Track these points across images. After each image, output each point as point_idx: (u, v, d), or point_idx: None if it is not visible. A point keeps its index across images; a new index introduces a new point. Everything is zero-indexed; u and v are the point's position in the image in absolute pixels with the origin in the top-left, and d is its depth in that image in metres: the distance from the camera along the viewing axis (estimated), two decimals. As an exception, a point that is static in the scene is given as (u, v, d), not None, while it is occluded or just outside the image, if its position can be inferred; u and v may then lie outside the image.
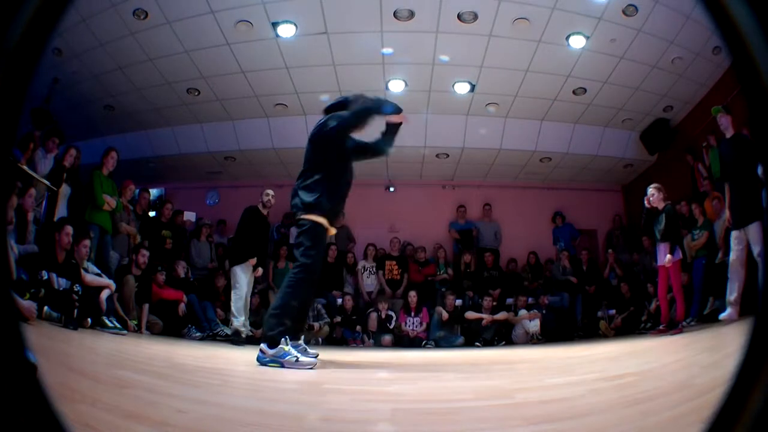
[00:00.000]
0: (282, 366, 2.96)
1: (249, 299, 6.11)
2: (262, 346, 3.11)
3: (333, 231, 3.46)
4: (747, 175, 4.81)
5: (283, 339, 3.03)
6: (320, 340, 7.14)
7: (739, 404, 0.59)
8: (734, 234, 4.94)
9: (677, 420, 1.21)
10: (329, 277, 8.11)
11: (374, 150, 3.83)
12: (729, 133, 5.21)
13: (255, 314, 7.53)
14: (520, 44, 6.50)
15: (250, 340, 5.65)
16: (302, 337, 3.29)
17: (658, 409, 1.38)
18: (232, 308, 5.93)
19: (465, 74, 7.17)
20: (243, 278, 5.95)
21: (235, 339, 5.77)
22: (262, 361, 3.07)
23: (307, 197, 3.36)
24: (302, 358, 3.01)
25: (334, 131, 3.47)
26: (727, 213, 5.13)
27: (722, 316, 4.95)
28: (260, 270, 6.25)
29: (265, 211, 6.25)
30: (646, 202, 5.85)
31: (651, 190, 5.81)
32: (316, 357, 3.12)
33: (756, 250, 4.58)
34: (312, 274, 3.26)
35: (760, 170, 4.60)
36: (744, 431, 0.58)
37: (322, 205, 3.34)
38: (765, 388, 0.57)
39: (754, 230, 4.68)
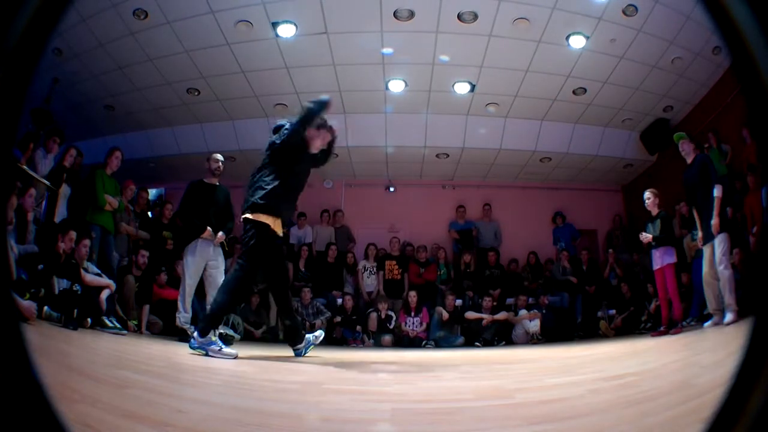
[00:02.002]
0: (207, 354, 3.35)
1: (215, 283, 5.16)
2: (195, 333, 3.51)
3: (280, 232, 3.67)
4: (709, 193, 5.08)
5: (212, 330, 3.43)
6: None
7: (739, 404, 0.59)
8: (706, 249, 5.14)
9: (677, 420, 1.21)
10: (329, 277, 8.11)
11: (316, 162, 3.97)
12: (689, 159, 5.39)
13: (256, 314, 7.54)
14: (520, 44, 6.50)
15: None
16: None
17: (658, 409, 1.38)
18: (178, 303, 5.21)
19: (465, 74, 7.17)
20: (189, 265, 5.17)
21: (184, 338, 4.96)
22: (192, 347, 3.45)
23: (257, 197, 3.56)
24: (225, 349, 3.41)
25: (283, 142, 3.65)
26: (699, 234, 5.29)
27: (707, 324, 5.12)
28: (221, 235, 5.28)
29: (215, 180, 5.41)
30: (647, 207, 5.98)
31: (648, 193, 5.98)
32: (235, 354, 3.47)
33: (718, 256, 4.90)
34: (249, 275, 3.60)
35: (715, 191, 4.99)
36: (744, 431, 0.58)
37: (271, 207, 3.54)
38: (765, 388, 0.57)
39: (719, 239, 4.95)
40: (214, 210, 5.32)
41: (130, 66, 6.84)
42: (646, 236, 5.81)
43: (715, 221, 5.00)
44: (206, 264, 5.26)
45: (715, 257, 4.96)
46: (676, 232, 7.12)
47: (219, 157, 5.46)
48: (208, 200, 5.31)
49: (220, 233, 5.32)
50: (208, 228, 5.18)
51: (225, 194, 5.47)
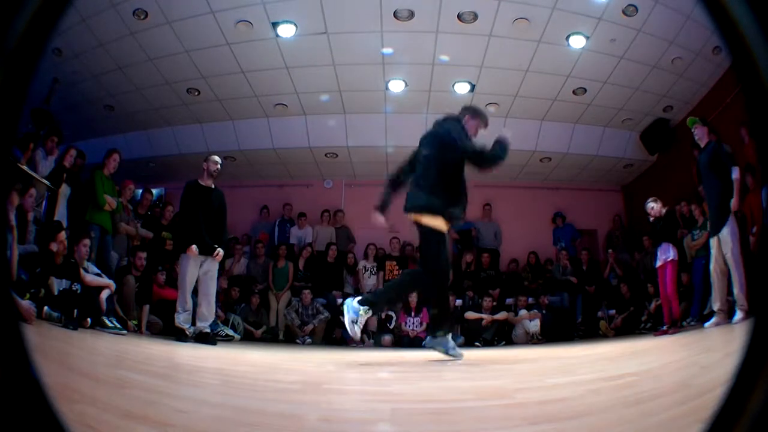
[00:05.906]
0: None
1: (212, 289, 5.32)
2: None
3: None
4: (718, 182, 5.04)
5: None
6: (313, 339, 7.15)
7: (739, 404, 0.59)
8: (713, 242, 5.08)
9: (677, 420, 1.21)
10: (329, 277, 8.11)
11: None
12: (703, 143, 5.37)
13: (256, 314, 7.54)
14: (520, 44, 6.50)
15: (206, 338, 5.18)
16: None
17: (658, 409, 1.38)
18: (177, 304, 5.22)
19: (465, 74, 7.18)
20: (186, 271, 5.13)
21: (182, 338, 5.15)
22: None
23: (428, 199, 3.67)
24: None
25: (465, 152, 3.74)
26: (702, 232, 5.34)
27: (707, 324, 5.08)
28: (220, 252, 5.24)
29: (209, 182, 5.33)
30: (651, 218, 5.98)
31: (650, 203, 6.01)
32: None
33: (727, 251, 4.83)
34: (438, 278, 3.65)
35: (734, 173, 4.90)
36: (744, 431, 0.57)
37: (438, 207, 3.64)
38: (765, 388, 0.57)
39: (724, 232, 4.88)
40: (209, 215, 5.23)
41: (130, 66, 6.85)
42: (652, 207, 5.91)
43: (735, 199, 4.91)
44: (201, 270, 5.24)
45: (723, 248, 4.89)
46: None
47: (217, 159, 5.39)
48: (203, 204, 5.22)
49: (220, 251, 5.25)
50: (193, 246, 5.06)
51: (220, 198, 5.39)
